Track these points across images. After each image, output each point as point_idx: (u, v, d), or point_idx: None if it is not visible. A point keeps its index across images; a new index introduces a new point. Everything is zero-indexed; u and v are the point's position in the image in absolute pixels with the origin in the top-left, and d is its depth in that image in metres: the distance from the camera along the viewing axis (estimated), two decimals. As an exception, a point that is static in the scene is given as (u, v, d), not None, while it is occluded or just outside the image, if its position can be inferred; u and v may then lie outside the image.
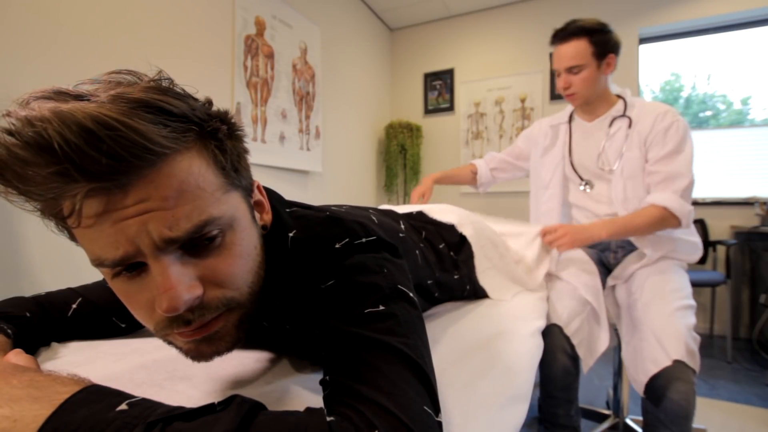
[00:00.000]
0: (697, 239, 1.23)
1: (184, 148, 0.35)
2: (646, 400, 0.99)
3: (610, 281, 1.24)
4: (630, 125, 1.22)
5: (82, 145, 0.29)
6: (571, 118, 1.39)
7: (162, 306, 0.34)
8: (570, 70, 1.22)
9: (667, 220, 1.12)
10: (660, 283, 1.11)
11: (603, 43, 1.20)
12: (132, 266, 0.36)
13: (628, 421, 1.45)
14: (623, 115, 1.25)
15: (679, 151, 1.13)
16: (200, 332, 0.39)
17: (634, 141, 1.20)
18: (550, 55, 1.23)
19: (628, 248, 1.30)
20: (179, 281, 0.35)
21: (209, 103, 0.41)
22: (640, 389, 0.98)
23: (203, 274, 0.37)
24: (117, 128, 0.29)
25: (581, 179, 1.34)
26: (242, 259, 0.40)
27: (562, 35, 1.23)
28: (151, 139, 0.31)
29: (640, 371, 0.98)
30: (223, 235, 0.38)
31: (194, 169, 0.35)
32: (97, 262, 0.35)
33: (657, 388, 0.94)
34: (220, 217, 0.37)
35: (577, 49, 1.20)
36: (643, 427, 1.02)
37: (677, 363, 0.93)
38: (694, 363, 0.93)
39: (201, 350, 0.40)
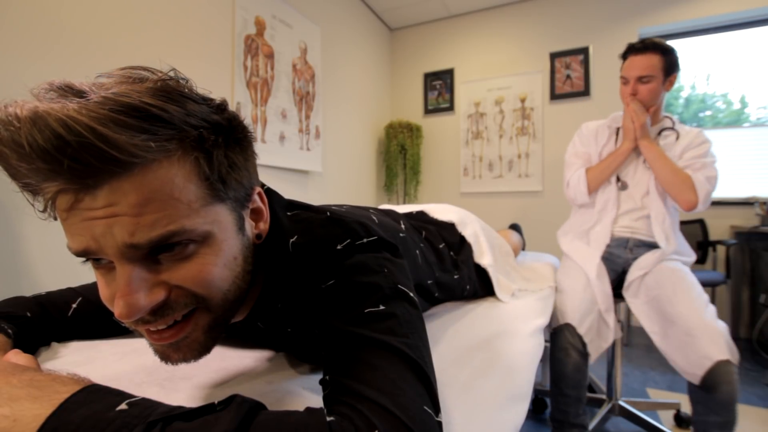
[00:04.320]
0: (689, 247, 1.40)
1: (164, 157, 0.34)
2: (696, 391, 1.12)
3: (631, 275, 1.31)
4: (677, 138, 1.38)
5: (50, 148, 0.29)
6: (618, 128, 1.49)
7: (116, 311, 0.35)
8: (641, 79, 1.34)
9: (687, 185, 1.27)
10: (681, 278, 1.20)
11: (672, 62, 1.35)
12: (102, 259, 0.36)
13: (622, 403, 1.54)
14: (673, 128, 1.40)
15: (708, 154, 1.33)
16: (166, 339, 0.39)
17: (678, 150, 1.37)
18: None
19: (644, 247, 1.37)
20: (138, 288, 0.35)
21: (221, 106, 0.40)
22: (695, 380, 1.10)
23: (170, 278, 0.37)
24: (84, 135, 0.29)
25: (618, 179, 1.44)
26: (216, 267, 0.39)
27: (639, 47, 1.35)
28: (120, 147, 0.31)
29: (694, 366, 1.09)
30: (195, 246, 0.37)
31: (171, 178, 0.35)
32: (68, 249, 0.36)
33: (709, 382, 1.07)
34: (192, 229, 0.36)
35: (651, 61, 1.33)
36: (694, 414, 1.15)
37: (724, 361, 1.04)
38: (735, 359, 1.06)
39: (168, 354, 0.40)
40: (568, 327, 1.21)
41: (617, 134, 1.48)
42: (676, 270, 1.22)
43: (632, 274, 1.29)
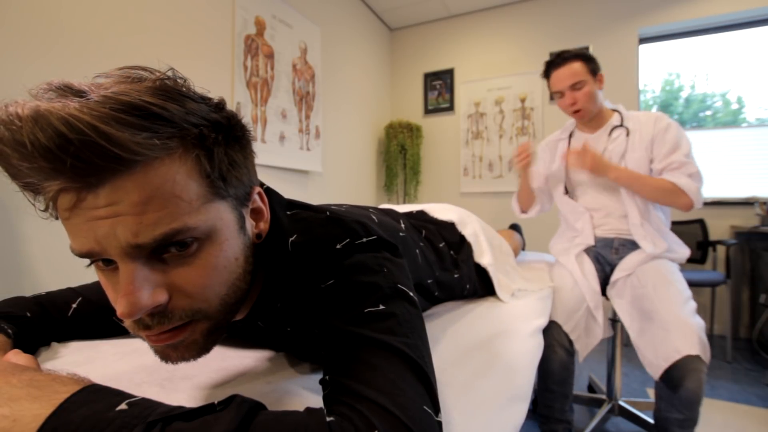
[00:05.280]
0: (682, 243, 1.38)
1: (165, 154, 0.34)
2: (662, 386, 1.11)
3: (615, 275, 1.31)
4: (628, 134, 1.36)
5: (53, 147, 0.29)
6: (571, 135, 1.51)
7: (119, 309, 0.35)
8: (573, 86, 1.34)
9: (675, 194, 1.25)
10: (663, 276, 1.20)
11: (593, 63, 1.37)
12: (107, 260, 0.36)
13: (622, 403, 1.55)
14: (621, 125, 1.39)
15: (678, 145, 1.28)
16: (164, 340, 0.38)
17: (637, 144, 1.34)
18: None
19: (629, 246, 1.37)
20: (141, 287, 0.35)
21: (219, 104, 0.40)
22: (656, 374, 1.09)
23: (172, 281, 0.37)
24: (86, 133, 0.29)
25: (566, 190, 1.50)
26: (216, 270, 0.39)
27: (558, 61, 1.37)
28: (122, 145, 0.31)
29: (660, 358, 1.08)
30: (198, 245, 0.37)
31: (172, 176, 0.35)
32: (72, 250, 0.36)
33: (674, 376, 1.06)
34: (194, 227, 0.36)
35: (575, 68, 1.34)
36: (656, 409, 1.15)
37: (693, 357, 1.03)
38: (706, 357, 1.05)
39: (167, 354, 0.40)
40: (555, 324, 1.23)
41: (569, 141, 1.50)
42: (659, 268, 1.23)
43: (616, 275, 1.30)
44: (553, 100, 3.03)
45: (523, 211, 1.66)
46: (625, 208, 1.35)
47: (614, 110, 1.43)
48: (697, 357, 1.03)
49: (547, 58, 3.07)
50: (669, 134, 1.29)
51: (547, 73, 1.41)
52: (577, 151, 1.35)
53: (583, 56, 1.35)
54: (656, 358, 1.09)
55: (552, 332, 1.23)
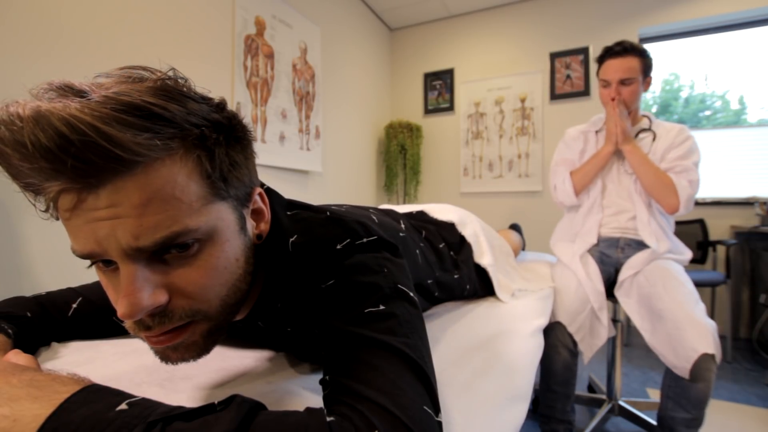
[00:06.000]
0: (685, 246, 1.40)
1: (166, 155, 0.34)
2: (670, 386, 1.13)
3: (623, 274, 1.32)
4: (654, 138, 1.39)
5: (53, 147, 0.29)
6: (598, 131, 1.51)
7: (119, 310, 0.35)
8: (623, 81, 1.35)
9: (669, 190, 1.28)
10: (673, 275, 1.20)
11: (648, 64, 1.37)
12: (108, 261, 0.36)
13: (622, 403, 1.55)
14: (649, 129, 1.41)
15: (690, 153, 1.33)
16: (163, 341, 0.38)
17: (658, 150, 1.37)
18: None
19: (635, 246, 1.38)
20: (141, 288, 0.35)
21: (220, 104, 0.40)
22: (684, 373, 1.08)
23: (172, 282, 0.37)
24: (87, 133, 0.29)
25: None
26: (217, 271, 0.39)
27: (618, 50, 1.36)
28: (124, 146, 0.31)
29: (682, 359, 1.08)
30: (198, 245, 0.37)
31: (173, 177, 0.35)
32: (72, 251, 0.36)
33: (693, 375, 1.06)
34: (195, 228, 0.36)
35: (631, 63, 1.34)
36: (662, 408, 1.16)
37: (708, 356, 1.04)
38: (719, 357, 1.05)
39: (167, 354, 0.40)
40: (559, 325, 1.23)
41: (597, 136, 1.50)
42: (667, 268, 1.23)
43: (624, 274, 1.30)
44: (554, 99, 3.05)
45: (578, 193, 1.46)
46: (635, 207, 1.36)
47: (644, 115, 1.45)
48: (711, 356, 1.04)
49: (547, 58, 3.12)
50: (686, 143, 1.33)
51: (602, 59, 1.41)
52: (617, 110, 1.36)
53: (643, 54, 1.35)
54: (678, 360, 1.09)
55: (556, 333, 1.23)
